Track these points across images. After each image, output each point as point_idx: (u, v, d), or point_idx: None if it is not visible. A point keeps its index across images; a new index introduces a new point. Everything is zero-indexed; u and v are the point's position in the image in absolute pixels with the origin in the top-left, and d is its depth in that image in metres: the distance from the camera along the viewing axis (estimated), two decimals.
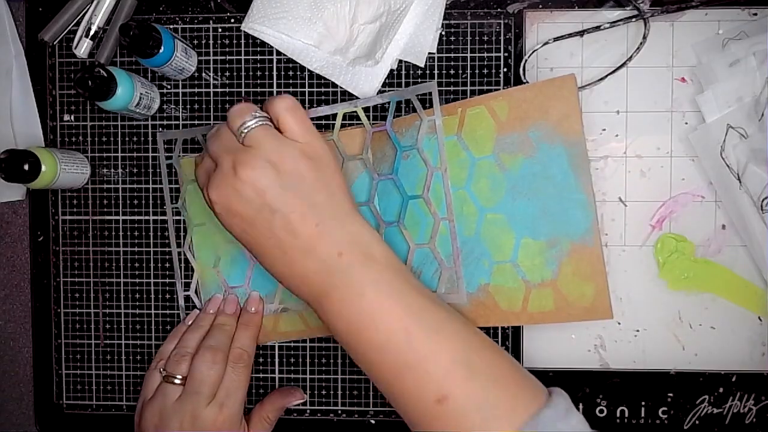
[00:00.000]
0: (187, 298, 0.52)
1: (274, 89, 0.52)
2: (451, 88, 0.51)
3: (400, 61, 0.51)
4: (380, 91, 0.51)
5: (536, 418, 0.37)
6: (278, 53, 0.52)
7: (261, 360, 0.53)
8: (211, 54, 0.52)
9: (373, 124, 0.49)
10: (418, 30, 0.50)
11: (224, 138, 0.42)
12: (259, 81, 0.52)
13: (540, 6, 0.50)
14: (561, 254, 0.46)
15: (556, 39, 0.50)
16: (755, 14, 0.49)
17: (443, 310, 0.41)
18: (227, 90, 0.52)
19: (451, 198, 0.47)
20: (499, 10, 0.51)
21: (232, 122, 0.41)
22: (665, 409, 0.51)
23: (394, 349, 0.39)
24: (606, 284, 0.45)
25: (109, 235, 0.53)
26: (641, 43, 0.49)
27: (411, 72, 0.51)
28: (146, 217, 0.53)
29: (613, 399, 0.51)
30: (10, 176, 0.45)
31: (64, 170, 0.49)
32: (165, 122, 0.53)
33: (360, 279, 0.40)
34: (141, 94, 0.49)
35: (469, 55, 0.51)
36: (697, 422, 0.51)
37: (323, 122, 0.51)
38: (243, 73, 0.52)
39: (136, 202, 0.53)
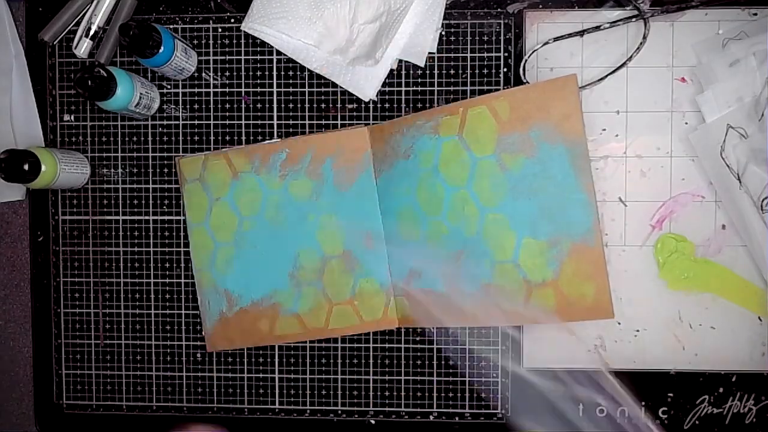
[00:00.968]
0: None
1: (274, 89, 0.52)
2: (451, 88, 0.51)
3: (400, 61, 0.51)
4: (380, 91, 0.51)
5: None
6: (278, 53, 0.52)
7: (261, 360, 0.53)
8: (211, 54, 0.52)
9: (372, 124, 0.49)
10: (418, 30, 0.50)
11: None
12: (259, 81, 0.52)
13: (540, 6, 0.50)
14: (562, 254, 0.46)
15: (556, 39, 0.50)
16: (755, 14, 0.49)
17: None
18: (227, 90, 0.52)
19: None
20: (499, 10, 0.51)
21: None
22: (665, 409, 0.51)
23: None
24: (607, 284, 0.45)
25: (109, 235, 0.53)
26: (641, 43, 0.49)
27: (411, 72, 0.51)
28: (146, 217, 0.53)
29: (613, 399, 0.51)
30: (10, 176, 0.45)
31: (64, 170, 0.49)
32: (165, 122, 0.53)
33: None
34: (141, 94, 0.49)
35: (469, 55, 0.51)
36: (697, 422, 0.51)
37: (328, 123, 0.52)
38: (243, 73, 0.52)
39: (136, 202, 0.53)
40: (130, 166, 0.53)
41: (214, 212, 0.51)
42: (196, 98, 0.53)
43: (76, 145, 0.53)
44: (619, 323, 0.50)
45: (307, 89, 0.52)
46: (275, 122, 0.52)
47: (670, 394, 0.51)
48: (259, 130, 0.52)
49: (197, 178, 0.51)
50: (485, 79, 0.51)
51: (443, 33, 0.51)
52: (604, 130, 0.50)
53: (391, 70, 0.51)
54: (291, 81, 0.52)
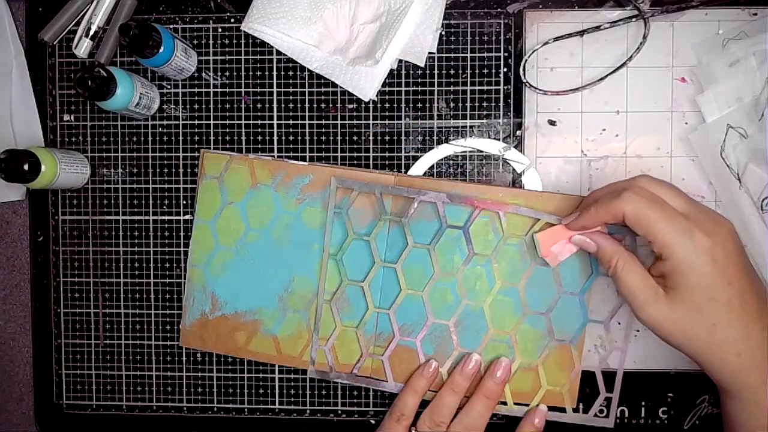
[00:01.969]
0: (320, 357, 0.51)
1: (274, 89, 0.52)
2: (451, 88, 0.51)
3: (400, 61, 0.51)
4: (380, 91, 0.51)
5: None
6: (278, 53, 0.52)
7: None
8: (211, 54, 0.52)
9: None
10: (418, 30, 0.50)
11: None
12: (259, 81, 0.52)
13: (540, 6, 0.50)
14: (551, 346, 0.49)
15: (556, 39, 0.50)
16: (755, 14, 0.49)
17: None
18: (227, 90, 0.52)
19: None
20: (499, 10, 0.51)
21: None
22: (665, 409, 0.51)
23: None
24: (578, 380, 0.49)
25: (109, 235, 0.53)
26: (641, 43, 0.49)
27: (411, 72, 0.51)
28: (146, 217, 0.53)
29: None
30: (10, 176, 0.45)
31: (64, 170, 0.49)
32: (165, 122, 0.53)
33: None
34: (141, 94, 0.49)
35: (469, 55, 0.51)
36: (697, 422, 0.51)
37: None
38: (243, 73, 0.52)
39: (135, 202, 0.53)
40: (130, 166, 0.53)
41: (223, 214, 0.51)
42: (196, 98, 0.53)
43: (76, 145, 0.53)
44: (619, 323, 0.50)
45: (307, 89, 0.52)
46: (275, 122, 0.52)
47: (670, 394, 0.51)
48: (259, 130, 0.52)
49: (216, 177, 0.51)
50: (485, 79, 0.51)
51: (443, 33, 0.51)
52: (604, 130, 0.50)
53: (391, 70, 0.51)
54: (291, 81, 0.52)
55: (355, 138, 0.52)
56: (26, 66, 0.53)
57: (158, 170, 0.53)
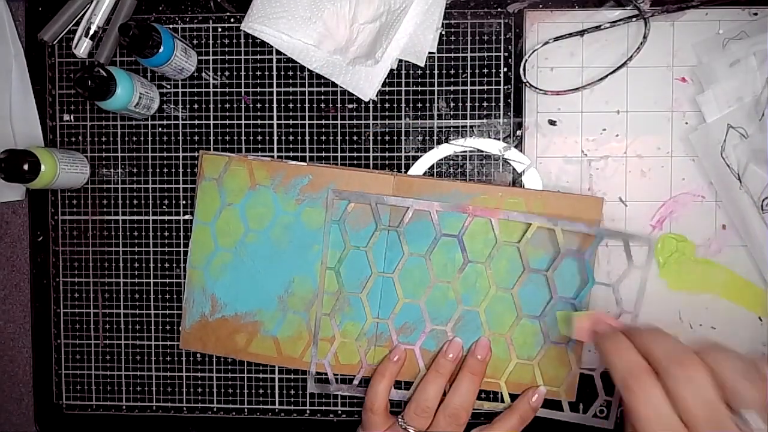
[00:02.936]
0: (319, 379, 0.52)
1: (274, 89, 0.52)
2: (451, 88, 0.51)
3: (400, 61, 0.51)
4: (380, 91, 0.51)
5: None
6: (278, 53, 0.52)
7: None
8: (211, 54, 0.52)
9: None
10: (418, 29, 0.50)
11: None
12: (258, 81, 0.52)
13: (540, 6, 0.50)
14: (547, 346, 0.49)
15: (557, 39, 0.50)
16: (755, 14, 0.49)
17: None
18: (227, 90, 0.52)
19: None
20: (499, 9, 0.51)
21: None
22: None
23: None
24: (576, 380, 0.49)
25: (108, 235, 0.53)
26: (641, 43, 0.49)
27: (411, 72, 0.51)
28: (146, 217, 0.53)
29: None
30: (9, 176, 0.45)
31: (63, 170, 0.48)
32: (165, 122, 0.53)
33: None
34: (141, 94, 0.48)
35: (469, 54, 0.51)
36: None
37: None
38: (243, 73, 0.52)
39: (135, 202, 0.53)
40: (129, 166, 0.53)
41: (222, 216, 0.51)
42: (195, 98, 0.52)
43: (75, 145, 0.53)
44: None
45: (307, 89, 0.52)
46: (275, 122, 0.52)
47: None
48: (259, 130, 0.52)
49: (215, 178, 0.51)
50: (485, 78, 0.51)
51: (443, 33, 0.51)
52: (605, 130, 0.50)
53: (391, 70, 0.51)
54: (291, 81, 0.52)
55: (355, 138, 0.52)
56: (26, 66, 0.53)
57: (158, 170, 0.53)
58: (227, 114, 0.52)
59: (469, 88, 0.51)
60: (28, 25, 0.53)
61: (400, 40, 0.50)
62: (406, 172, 0.51)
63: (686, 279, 0.50)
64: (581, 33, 0.50)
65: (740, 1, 0.49)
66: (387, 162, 0.51)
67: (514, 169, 0.51)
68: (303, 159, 0.52)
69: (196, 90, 0.52)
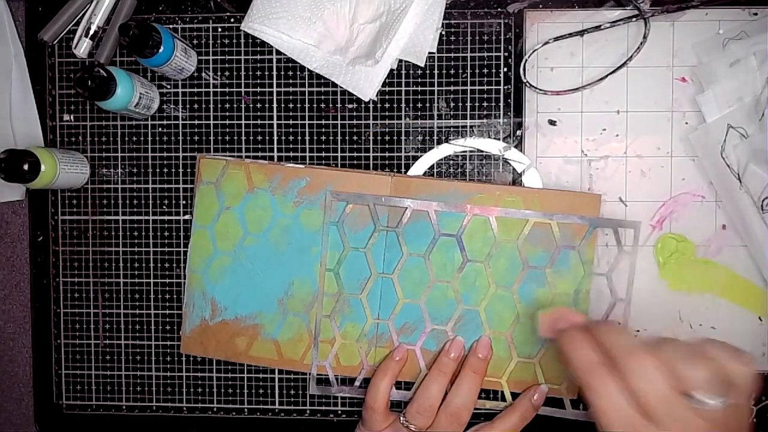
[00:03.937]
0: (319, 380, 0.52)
1: (274, 89, 0.52)
2: (451, 88, 0.51)
3: (400, 61, 0.51)
4: (380, 91, 0.51)
5: None
6: (278, 53, 0.52)
7: None
8: (211, 54, 0.52)
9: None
10: (418, 30, 0.50)
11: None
12: (258, 81, 0.52)
13: (540, 6, 0.50)
14: (548, 344, 0.49)
15: (557, 39, 0.50)
16: (755, 14, 0.49)
17: None
18: (227, 90, 0.52)
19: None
20: (499, 9, 0.51)
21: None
22: None
23: None
24: None
25: (108, 235, 0.53)
26: (641, 43, 0.49)
27: (411, 72, 0.51)
28: (146, 217, 0.53)
29: None
30: (9, 176, 0.45)
31: (63, 170, 0.48)
32: (165, 122, 0.53)
33: None
34: (141, 94, 0.48)
35: (469, 54, 0.51)
36: None
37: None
38: (243, 73, 0.52)
39: (135, 202, 0.53)
40: (129, 166, 0.53)
41: (221, 219, 0.51)
42: (195, 98, 0.52)
43: (75, 145, 0.53)
44: (620, 323, 0.50)
45: (307, 89, 0.52)
46: (275, 122, 0.52)
47: None
48: (259, 130, 0.52)
49: (213, 182, 0.51)
50: (485, 78, 0.51)
51: (443, 33, 0.51)
52: (604, 130, 0.50)
53: (391, 70, 0.51)
54: (291, 81, 0.52)
55: (354, 138, 0.52)
56: (26, 66, 0.53)
57: (158, 170, 0.53)
58: (227, 114, 0.52)
59: (469, 88, 0.51)
60: (28, 25, 0.53)
61: (400, 40, 0.50)
62: (406, 173, 0.51)
63: (686, 279, 0.50)
64: (581, 33, 0.50)
65: (740, 1, 0.49)
66: (387, 162, 0.51)
67: (514, 169, 0.51)
68: (303, 159, 0.52)
69: (196, 90, 0.52)
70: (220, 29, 0.52)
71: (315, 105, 0.52)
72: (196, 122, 0.53)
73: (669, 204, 0.50)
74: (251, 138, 0.52)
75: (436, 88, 0.51)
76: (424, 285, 0.50)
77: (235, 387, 0.53)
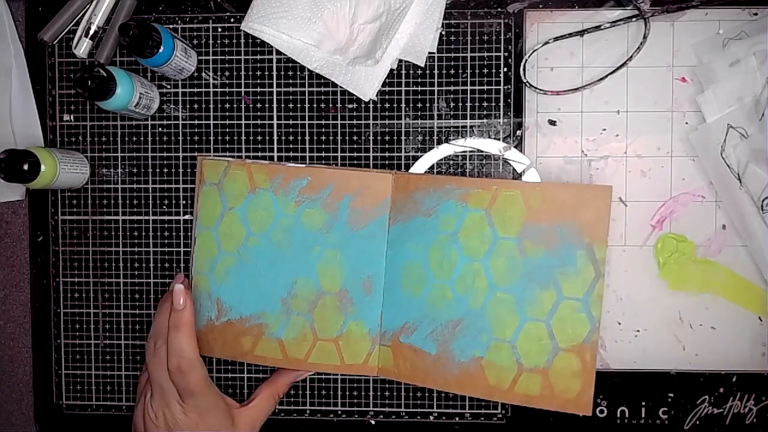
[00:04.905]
0: None
1: (274, 89, 0.52)
2: (451, 88, 0.51)
3: (400, 61, 0.51)
4: (380, 91, 0.51)
5: None
6: (278, 53, 0.52)
7: None
8: (211, 54, 0.52)
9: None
10: (418, 30, 0.50)
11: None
12: (258, 81, 0.52)
13: (540, 6, 0.50)
14: (558, 347, 0.47)
15: (557, 39, 0.50)
16: (755, 14, 0.49)
17: None
18: (227, 90, 0.52)
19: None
20: (499, 9, 0.51)
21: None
22: (665, 409, 0.51)
23: None
24: (593, 382, 0.46)
25: (108, 235, 0.53)
26: (641, 43, 0.49)
27: (411, 72, 0.51)
28: (146, 217, 0.53)
29: (614, 399, 0.51)
30: (9, 176, 0.45)
31: (63, 170, 0.48)
32: (165, 122, 0.53)
33: None
34: (141, 94, 0.48)
35: (469, 54, 0.51)
36: (697, 422, 0.51)
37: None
38: (243, 73, 0.52)
39: (135, 202, 0.53)
40: (129, 166, 0.53)
41: (224, 220, 0.51)
42: (195, 98, 0.52)
43: (75, 145, 0.53)
44: (620, 323, 0.50)
45: (307, 89, 0.52)
46: (275, 122, 0.52)
47: (671, 395, 0.51)
48: (259, 130, 0.52)
49: (215, 183, 0.51)
50: (485, 78, 0.51)
51: (443, 33, 0.51)
52: (604, 130, 0.50)
53: (391, 70, 0.51)
54: (291, 81, 0.52)
55: (355, 138, 0.52)
56: (26, 66, 0.53)
57: (158, 170, 0.53)
58: (227, 114, 0.52)
59: (469, 88, 0.51)
60: (28, 25, 0.53)
61: (400, 40, 0.50)
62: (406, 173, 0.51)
63: (686, 279, 0.50)
64: (581, 33, 0.50)
65: (740, 1, 0.49)
66: (387, 162, 0.51)
67: (514, 169, 0.51)
68: (303, 159, 0.52)
69: (196, 90, 0.52)
70: (220, 29, 0.52)
71: (315, 105, 0.52)
72: (196, 122, 0.53)
73: (669, 204, 0.50)
74: (251, 138, 0.52)
75: (436, 88, 0.51)
76: (423, 284, 0.49)
77: (235, 387, 0.53)
